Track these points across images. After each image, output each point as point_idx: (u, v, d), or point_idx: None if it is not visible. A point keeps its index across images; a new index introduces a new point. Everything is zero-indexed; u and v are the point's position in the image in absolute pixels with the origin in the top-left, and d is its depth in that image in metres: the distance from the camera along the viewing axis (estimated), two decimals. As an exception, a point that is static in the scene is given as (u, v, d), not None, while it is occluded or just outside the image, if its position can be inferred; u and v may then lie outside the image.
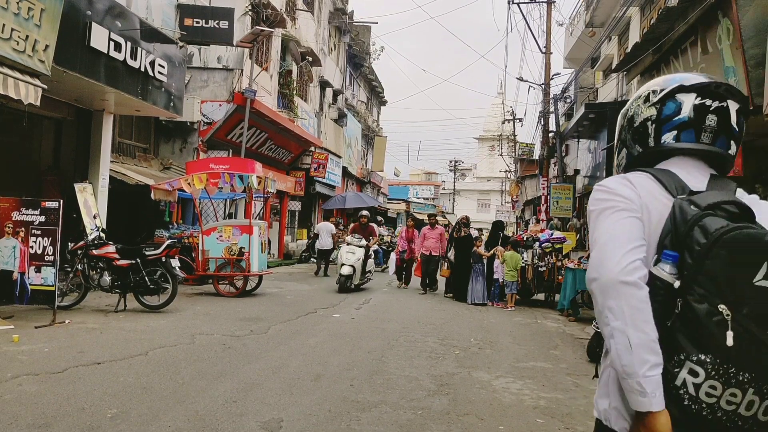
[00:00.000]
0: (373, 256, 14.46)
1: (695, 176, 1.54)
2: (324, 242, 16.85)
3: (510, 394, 5.35)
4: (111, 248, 8.83)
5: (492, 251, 11.93)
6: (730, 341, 1.26)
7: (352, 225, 15.00)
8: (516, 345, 7.77)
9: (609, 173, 14.89)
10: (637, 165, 1.64)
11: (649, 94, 1.63)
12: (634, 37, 14.18)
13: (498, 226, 12.97)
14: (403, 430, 4.30)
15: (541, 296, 12.32)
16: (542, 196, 22.07)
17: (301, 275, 16.29)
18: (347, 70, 29.72)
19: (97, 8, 8.98)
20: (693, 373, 1.29)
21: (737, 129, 1.57)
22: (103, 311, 8.54)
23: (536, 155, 27.98)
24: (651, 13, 13.42)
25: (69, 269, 8.81)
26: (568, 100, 23.33)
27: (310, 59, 21.63)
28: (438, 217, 18.16)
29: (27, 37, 7.22)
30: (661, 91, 1.59)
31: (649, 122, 1.61)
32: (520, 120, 38.75)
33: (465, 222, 12.88)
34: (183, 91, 12.26)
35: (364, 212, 14.26)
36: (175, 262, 9.11)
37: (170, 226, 13.31)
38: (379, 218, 24.41)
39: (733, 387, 1.27)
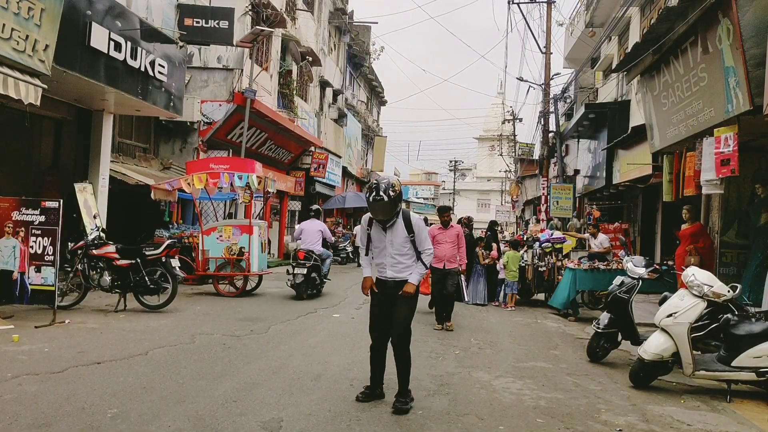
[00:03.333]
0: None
1: None
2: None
3: (510, 394, 5.35)
4: (111, 248, 8.84)
5: (490, 257, 11.90)
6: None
7: None
8: (516, 345, 7.77)
9: (609, 173, 14.90)
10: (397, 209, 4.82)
11: (400, 188, 4.78)
12: (634, 37, 14.18)
13: (491, 225, 13.36)
14: (403, 430, 4.30)
15: (541, 296, 12.31)
16: (542, 196, 22.08)
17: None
18: (347, 70, 29.72)
19: (97, 8, 8.98)
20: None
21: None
22: (103, 311, 8.54)
23: (536, 155, 27.99)
24: (651, 13, 13.42)
25: (69, 269, 8.81)
26: (568, 100, 23.34)
27: (310, 59, 21.62)
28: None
29: (27, 36, 7.22)
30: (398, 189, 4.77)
31: (401, 197, 4.83)
32: (520, 120, 38.74)
33: (466, 222, 12.82)
34: (183, 91, 12.26)
35: None
36: (175, 262, 9.11)
37: (170, 226, 13.30)
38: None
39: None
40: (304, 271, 10.85)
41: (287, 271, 11.27)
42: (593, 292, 10.89)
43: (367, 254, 5.02)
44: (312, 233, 11.47)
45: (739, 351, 5.42)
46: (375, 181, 4.78)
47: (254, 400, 4.74)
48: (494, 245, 12.30)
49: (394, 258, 4.84)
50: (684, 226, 9.13)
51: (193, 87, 15.50)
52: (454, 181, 62.85)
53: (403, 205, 5.06)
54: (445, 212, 9.03)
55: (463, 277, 9.59)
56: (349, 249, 22.49)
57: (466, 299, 11.45)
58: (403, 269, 4.84)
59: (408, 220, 4.85)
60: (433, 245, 8.35)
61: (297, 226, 12.87)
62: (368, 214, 4.92)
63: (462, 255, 8.93)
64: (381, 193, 4.61)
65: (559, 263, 11.53)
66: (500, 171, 48.58)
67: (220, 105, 15.66)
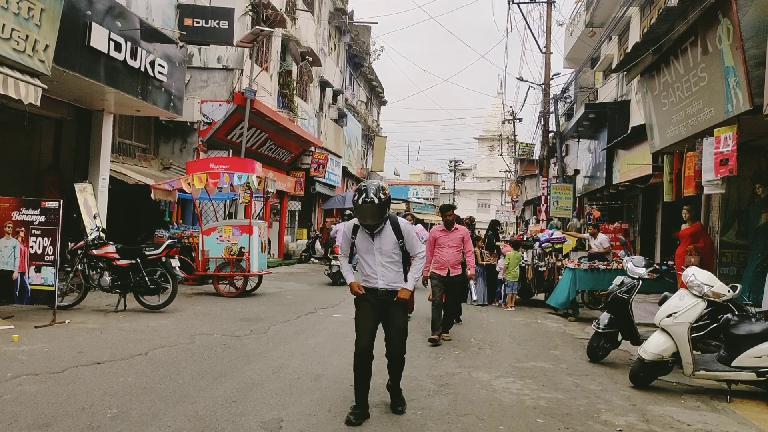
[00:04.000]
0: None
1: None
2: None
3: (510, 394, 5.35)
4: (111, 248, 8.84)
5: (490, 259, 11.88)
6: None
7: None
8: (516, 345, 7.77)
9: (609, 173, 14.89)
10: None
11: (389, 192, 4.59)
12: (634, 37, 14.17)
13: (493, 224, 13.30)
14: (403, 430, 4.30)
15: (541, 296, 12.31)
16: (542, 196, 22.07)
17: (301, 275, 16.30)
18: (347, 70, 29.72)
19: (97, 8, 8.98)
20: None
21: None
22: (103, 311, 8.54)
23: (536, 155, 27.98)
24: (651, 13, 13.42)
25: (69, 269, 8.81)
26: (568, 100, 23.33)
27: (310, 59, 21.63)
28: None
29: (27, 37, 7.22)
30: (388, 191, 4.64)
31: (390, 200, 4.59)
32: (520, 120, 38.74)
33: (468, 223, 12.80)
34: (183, 91, 12.26)
35: None
36: (175, 262, 9.11)
37: (170, 226, 13.30)
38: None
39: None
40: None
41: (324, 263, 14.32)
42: (593, 292, 10.89)
43: (350, 261, 4.80)
44: None
45: (740, 351, 5.42)
46: (363, 185, 4.60)
47: (254, 400, 4.74)
48: (499, 244, 12.32)
49: (385, 267, 4.58)
50: (684, 226, 9.12)
51: (193, 87, 15.50)
52: (454, 181, 62.83)
53: (392, 211, 4.93)
54: (447, 211, 7.93)
55: (472, 283, 8.74)
56: None
57: (475, 298, 10.56)
58: (395, 278, 4.60)
59: (396, 224, 4.63)
60: (435, 249, 7.73)
61: (334, 227, 14.69)
62: (352, 222, 4.71)
63: (470, 259, 7.94)
64: (371, 195, 4.42)
65: (559, 263, 11.53)
66: (500, 171, 48.58)
67: (220, 105, 15.67)
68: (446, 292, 7.72)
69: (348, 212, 14.03)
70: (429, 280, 7.70)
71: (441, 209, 8.24)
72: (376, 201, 4.43)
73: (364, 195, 4.45)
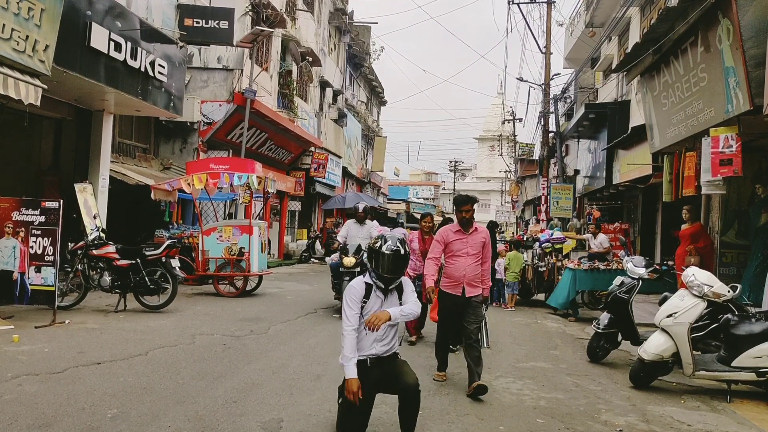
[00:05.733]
0: None
1: None
2: None
3: (510, 394, 5.35)
4: (111, 248, 8.83)
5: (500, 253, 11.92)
6: None
7: None
8: (516, 345, 7.77)
9: (609, 173, 14.90)
10: None
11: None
12: (634, 37, 14.18)
13: (491, 226, 13.29)
14: (403, 430, 4.29)
15: (541, 296, 12.32)
16: (542, 196, 22.09)
17: (301, 275, 16.30)
18: (347, 70, 29.72)
19: (97, 8, 8.99)
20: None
21: None
22: (103, 311, 8.54)
23: (536, 155, 27.99)
24: (651, 13, 13.42)
25: (69, 269, 8.81)
26: (568, 101, 23.34)
27: (310, 59, 21.63)
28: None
29: (27, 37, 7.22)
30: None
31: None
32: (520, 120, 38.74)
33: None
34: (183, 91, 12.26)
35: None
36: (175, 262, 9.11)
37: (170, 227, 13.30)
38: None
39: None
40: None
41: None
42: (593, 292, 10.89)
43: (356, 332, 3.81)
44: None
45: (739, 351, 5.42)
46: (384, 234, 4.08)
47: (254, 400, 4.74)
48: (500, 246, 12.35)
49: (384, 330, 3.85)
50: (684, 227, 9.13)
51: (193, 87, 15.50)
52: (454, 182, 62.85)
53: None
54: (464, 205, 5.56)
55: (486, 317, 6.04)
56: None
57: (486, 345, 6.43)
58: (392, 340, 3.93)
59: (400, 283, 4.01)
60: (447, 257, 5.60)
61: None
62: (361, 282, 3.93)
63: (485, 273, 5.64)
64: (397, 245, 3.89)
65: (559, 263, 11.53)
66: (500, 171, 48.62)
67: (220, 105, 15.68)
68: (457, 315, 5.54)
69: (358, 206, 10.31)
70: (430, 297, 5.57)
71: (456, 202, 5.76)
72: (402, 252, 3.89)
73: (389, 243, 3.91)
